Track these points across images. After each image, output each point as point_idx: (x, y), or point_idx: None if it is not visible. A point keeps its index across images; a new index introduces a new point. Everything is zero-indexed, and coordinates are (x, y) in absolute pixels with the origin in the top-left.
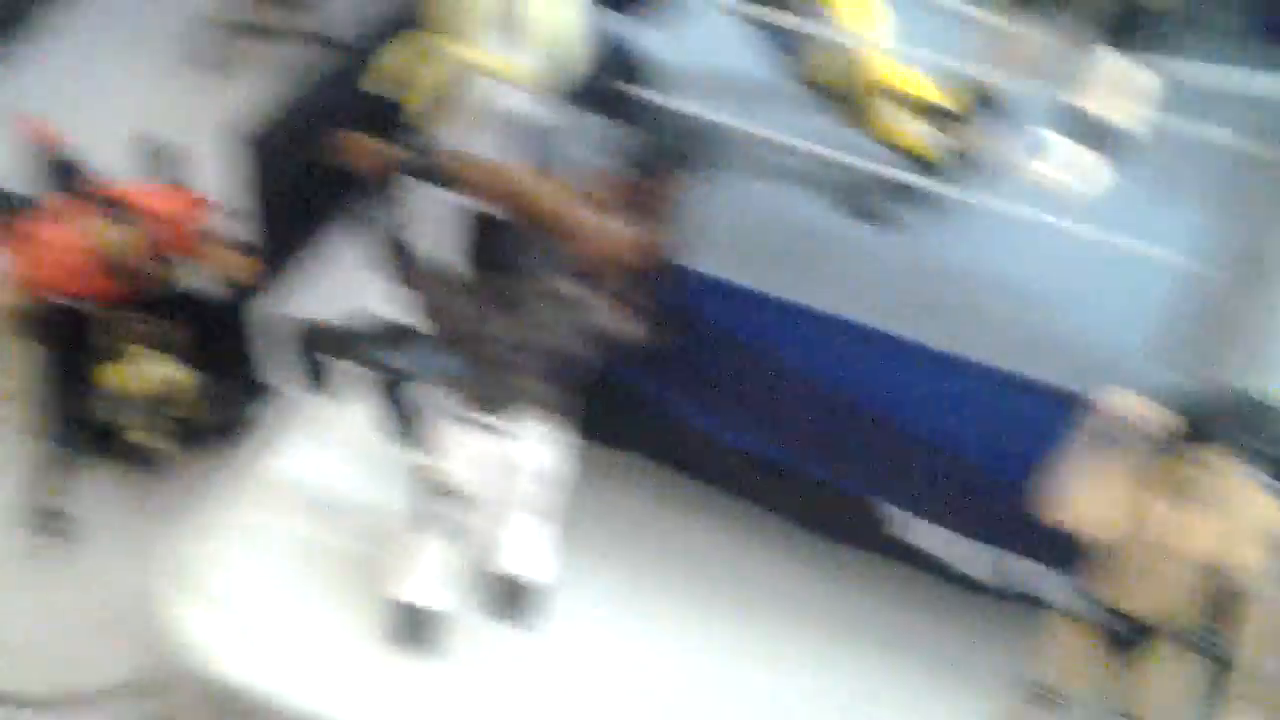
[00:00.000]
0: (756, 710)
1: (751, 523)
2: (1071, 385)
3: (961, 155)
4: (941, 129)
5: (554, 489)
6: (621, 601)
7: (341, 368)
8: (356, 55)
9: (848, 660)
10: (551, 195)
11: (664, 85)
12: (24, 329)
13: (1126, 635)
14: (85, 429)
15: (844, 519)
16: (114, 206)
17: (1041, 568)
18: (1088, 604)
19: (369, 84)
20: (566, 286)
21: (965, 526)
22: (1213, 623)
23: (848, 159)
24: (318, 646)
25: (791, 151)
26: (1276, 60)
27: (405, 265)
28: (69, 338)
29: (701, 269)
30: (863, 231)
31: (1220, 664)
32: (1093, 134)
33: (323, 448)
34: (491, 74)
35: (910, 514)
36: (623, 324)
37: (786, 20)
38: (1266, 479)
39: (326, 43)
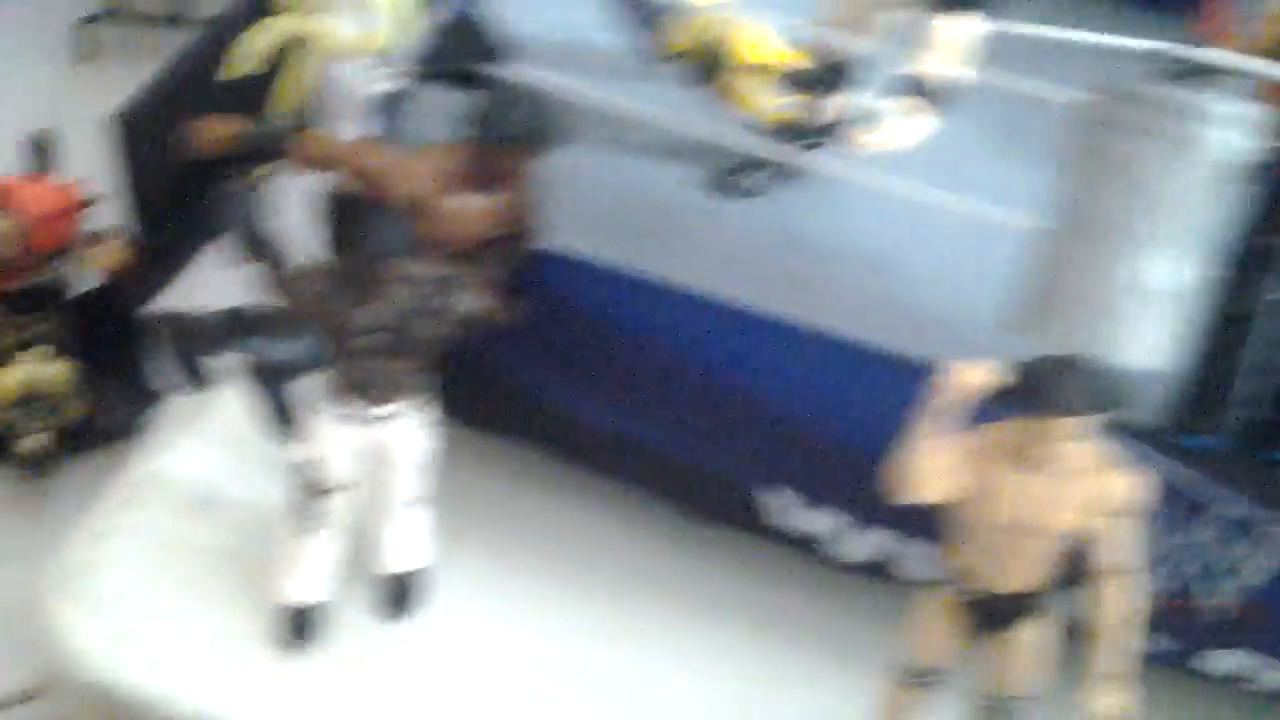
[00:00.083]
0: (638, 695)
1: (631, 506)
2: (927, 355)
3: (818, 124)
4: (799, 97)
5: (426, 475)
6: (499, 589)
7: (217, 362)
8: (227, 36)
9: (728, 644)
10: (404, 171)
11: (517, 58)
12: None
13: (987, 610)
14: None
15: (717, 500)
16: None
17: (915, 545)
18: (948, 579)
19: (228, 66)
20: (423, 266)
21: (836, 504)
22: (1072, 596)
23: (704, 130)
24: (204, 648)
25: (648, 124)
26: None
27: (262, 251)
28: None
29: (558, 245)
30: (721, 204)
31: (1080, 637)
32: (921, 93)
33: (206, 446)
34: (342, 49)
35: (782, 493)
36: (481, 303)
37: None
38: (1115, 447)
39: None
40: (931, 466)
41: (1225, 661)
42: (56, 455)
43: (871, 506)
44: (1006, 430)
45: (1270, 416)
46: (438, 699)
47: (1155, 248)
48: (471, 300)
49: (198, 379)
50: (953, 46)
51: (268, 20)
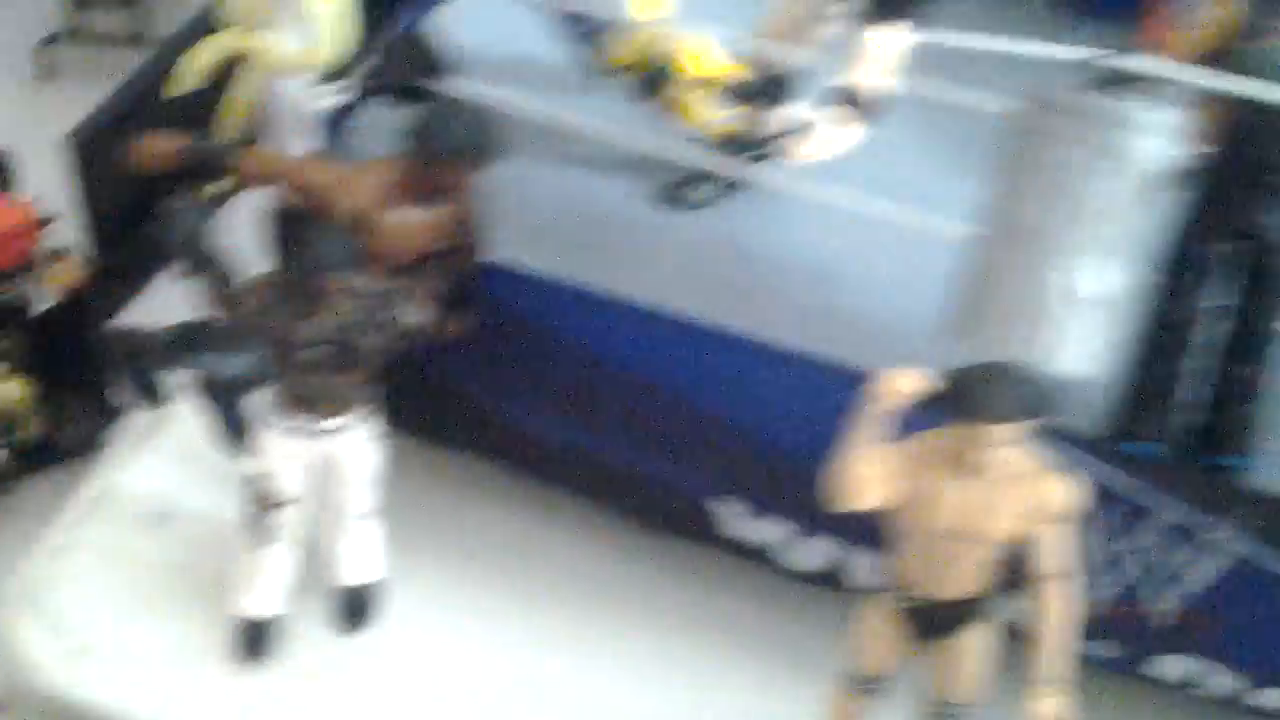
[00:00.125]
0: (590, 705)
1: (583, 517)
2: (869, 365)
3: (761, 136)
4: (742, 110)
5: (377, 487)
6: (453, 600)
7: (173, 377)
8: (182, 55)
9: (680, 653)
10: (345, 186)
11: (461, 73)
12: None
13: (928, 617)
14: None
15: (667, 510)
16: None
17: (863, 553)
18: (889, 587)
19: (173, 84)
20: (365, 280)
21: (783, 513)
22: (1011, 602)
23: (650, 144)
24: (160, 661)
25: (592, 138)
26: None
27: (204, 266)
28: None
29: (504, 258)
30: (666, 217)
31: (1020, 643)
32: (851, 104)
33: (163, 462)
34: (284, 65)
35: (731, 503)
36: (424, 316)
37: (579, 6)
38: (1056, 453)
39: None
40: (867, 474)
41: (1173, 667)
42: (15, 473)
43: (818, 515)
44: (942, 437)
45: (1210, 422)
46: (393, 711)
47: (1085, 255)
48: (414, 313)
49: (151, 394)
50: (882, 57)
51: (210, 37)
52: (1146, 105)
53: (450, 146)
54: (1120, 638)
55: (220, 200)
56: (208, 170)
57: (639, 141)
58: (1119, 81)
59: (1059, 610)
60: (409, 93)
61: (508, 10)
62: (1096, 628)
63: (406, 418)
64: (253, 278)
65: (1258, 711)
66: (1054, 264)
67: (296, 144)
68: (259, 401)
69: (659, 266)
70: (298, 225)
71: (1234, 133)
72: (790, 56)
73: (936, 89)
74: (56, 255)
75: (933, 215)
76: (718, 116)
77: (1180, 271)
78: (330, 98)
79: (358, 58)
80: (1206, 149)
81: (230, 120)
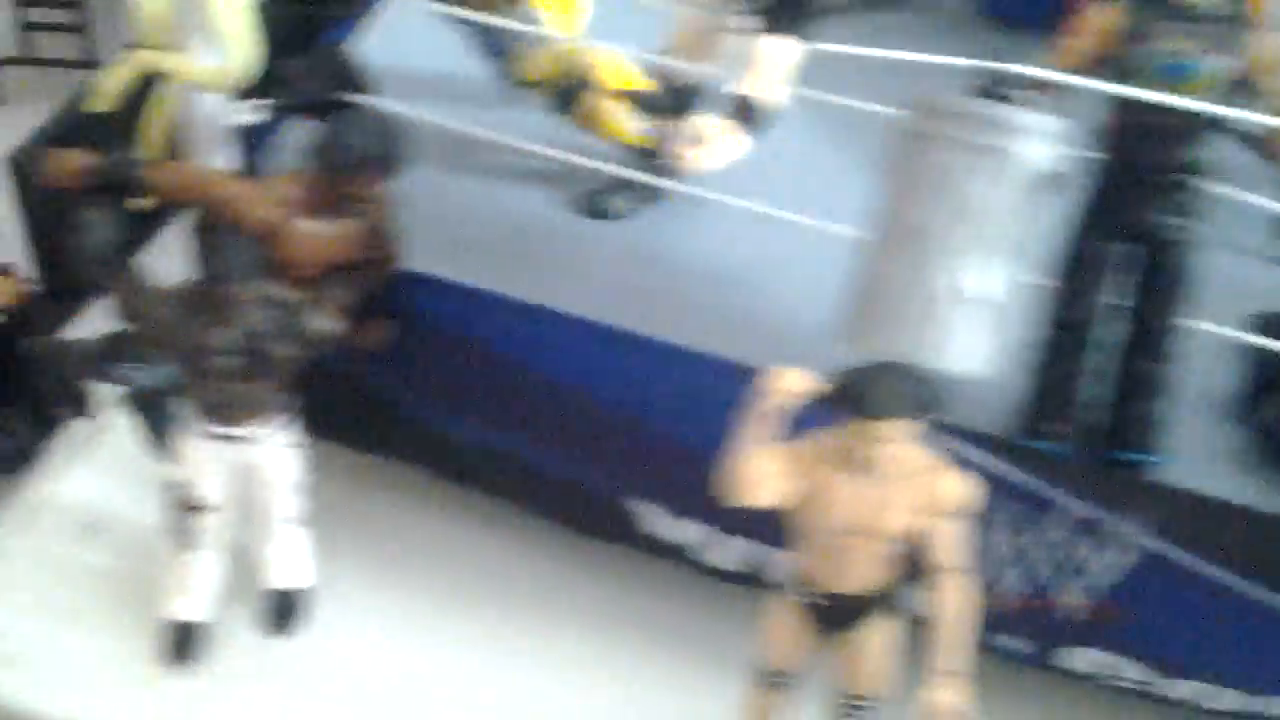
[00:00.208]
0: (516, 707)
1: (509, 520)
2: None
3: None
4: (655, 121)
5: (301, 494)
6: (380, 604)
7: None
8: None
9: (604, 654)
10: (253, 198)
11: (378, 87)
12: None
13: (830, 612)
14: None
15: (589, 513)
16: None
17: (779, 551)
18: (792, 583)
19: (90, 104)
20: (274, 289)
21: (701, 514)
22: (910, 596)
23: (560, 155)
24: (92, 668)
25: (509, 149)
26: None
27: (115, 277)
28: None
29: (421, 267)
30: (582, 226)
31: (921, 636)
32: (743, 113)
33: (97, 471)
34: (198, 82)
35: (650, 504)
36: (334, 325)
37: (491, 21)
38: (959, 451)
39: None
40: (759, 471)
41: (1082, 659)
42: None
43: (733, 515)
44: (835, 435)
45: (1114, 419)
46: (321, 715)
47: (970, 256)
48: (324, 322)
49: (78, 405)
50: (773, 67)
51: (124, 56)
52: (1028, 110)
53: (354, 158)
54: (1029, 631)
55: (141, 214)
56: (131, 186)
57: (555, 153)
58: (1003, 87)
59: (955, 603)
60: (326, 108)
61: (430, 28)
62: (1005, 621)
63: (329, 424)
64: (163, 288)
65: (1166, 702)
66: (939, 265)
67: (215, 159)
68: (183, 409)
69: (575, 274)
70: (209, 237)
71: (1122, 135)
72: (695, 69)
73: (832, 97)
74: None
75: (843, 220)
76: (632, 128)
77: (1077, 271)
78: (247, 114)
79: (277, 74)
80: (1097, 150)
81: (150, 137)
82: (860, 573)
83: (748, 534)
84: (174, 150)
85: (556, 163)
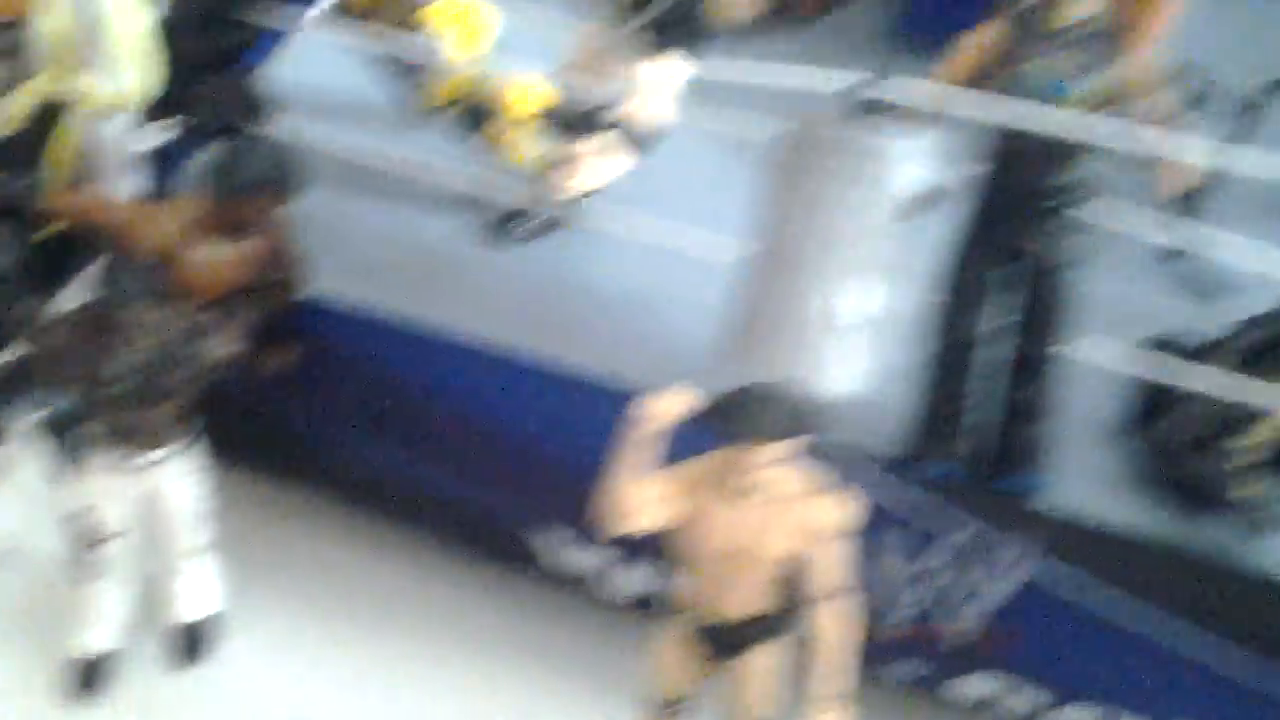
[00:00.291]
0: None
1: (413, 547)
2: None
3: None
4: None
5: (205, 521)
6: (285, 634)
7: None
8: None
9: (507, 683)
10: (147, 223)
11: (281, 112)
12: None
13: (716, 637)
14: None
15: (492, 540)
16: None
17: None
18: (679, 609)
19: None
20: (169, 314)
21: (602, 541)
22: (793, 620)
23: (471, 180)
24: None
25: (413, 174)
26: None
27: (9, 303)
28: None
29: (323, 291)
30: (486, 251)
31: (804, 660)
32: (625, 134)
33: (5, 500)
34: (99, 106)
35: (552, 532)
36: (231, 349)
37: (393, 47)
38: (841, 474)
39: None
40: (637, 497)
41: (976, 685)
42: None
43: (635, 543)
44: (712, 460)
45: (999, 443)
46: None
47: (843, 278)
48: (220, 346)
49: None
50: (659, 87)
51: (25, 82)
52: (900, 131)
53: (248, 182)
54: (921, 657)
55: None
56: (28, 212)
57: (461, 177)
58: (877, 108)
59: (836, 628)
60: (229, 132)
61: (341, 53)
62: (897, 647)
63: (232, 450)
64: (57, 314)
65: None
66: (813, 287)
67: (121, 184)
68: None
69: (477, 299)
70: (108, 262)
71: (1001, 156)
72: (594, 90)
73: (715, 119)
74: None
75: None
76: (537, 151)
77: (959, 293)
78: (151, 138)
79: (185, 97)
80: (976, 171)
81: (56, 162)
82: (744, 597)
83: (648, 561)
84: (80, 175)
85: (462, 187)
